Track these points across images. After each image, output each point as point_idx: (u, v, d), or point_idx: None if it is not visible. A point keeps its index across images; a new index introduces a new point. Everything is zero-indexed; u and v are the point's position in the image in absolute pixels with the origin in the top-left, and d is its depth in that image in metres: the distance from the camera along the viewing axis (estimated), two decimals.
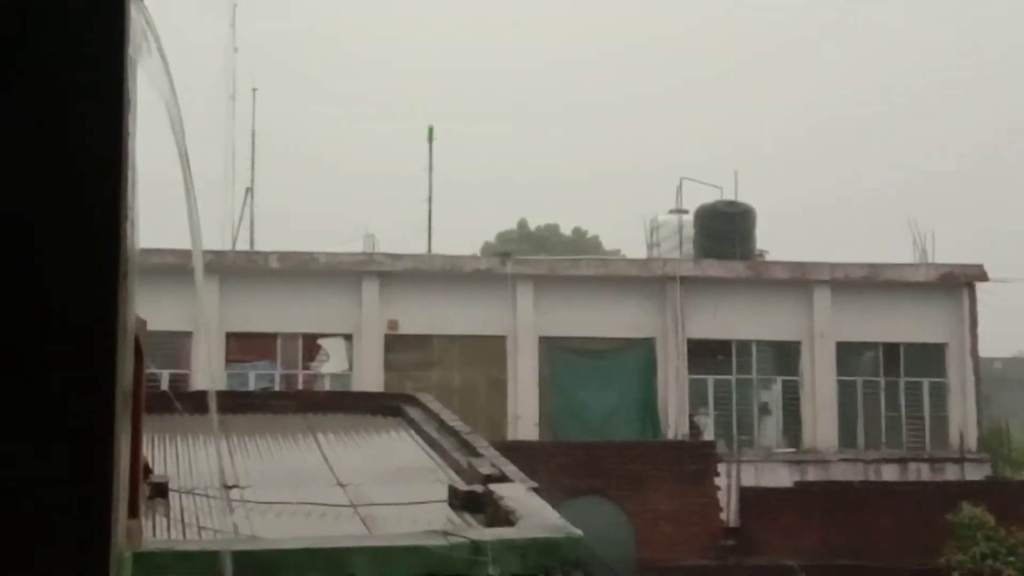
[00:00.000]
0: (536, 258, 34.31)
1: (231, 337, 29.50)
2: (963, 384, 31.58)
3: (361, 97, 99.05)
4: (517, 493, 8.40)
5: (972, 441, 31.21)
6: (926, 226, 39.59)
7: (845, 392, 31.49)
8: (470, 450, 10.18)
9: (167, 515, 8.15)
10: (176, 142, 2.32)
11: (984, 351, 32.99)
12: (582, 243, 60.66)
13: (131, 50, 1.56)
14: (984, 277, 31.79)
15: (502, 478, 8.86)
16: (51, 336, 1.46)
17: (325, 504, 8.73)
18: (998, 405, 38.54)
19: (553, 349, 30.70)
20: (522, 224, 63.45)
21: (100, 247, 1.48)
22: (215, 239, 31.98)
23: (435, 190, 34.81)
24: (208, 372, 27.65)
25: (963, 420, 31.36)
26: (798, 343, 31.47)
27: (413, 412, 12.25)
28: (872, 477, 29.88)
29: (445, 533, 7.26)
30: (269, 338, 30.14)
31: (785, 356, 31.65)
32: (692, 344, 31.02)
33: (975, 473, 30.29)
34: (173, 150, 2.36)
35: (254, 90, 35.09)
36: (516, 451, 14.13)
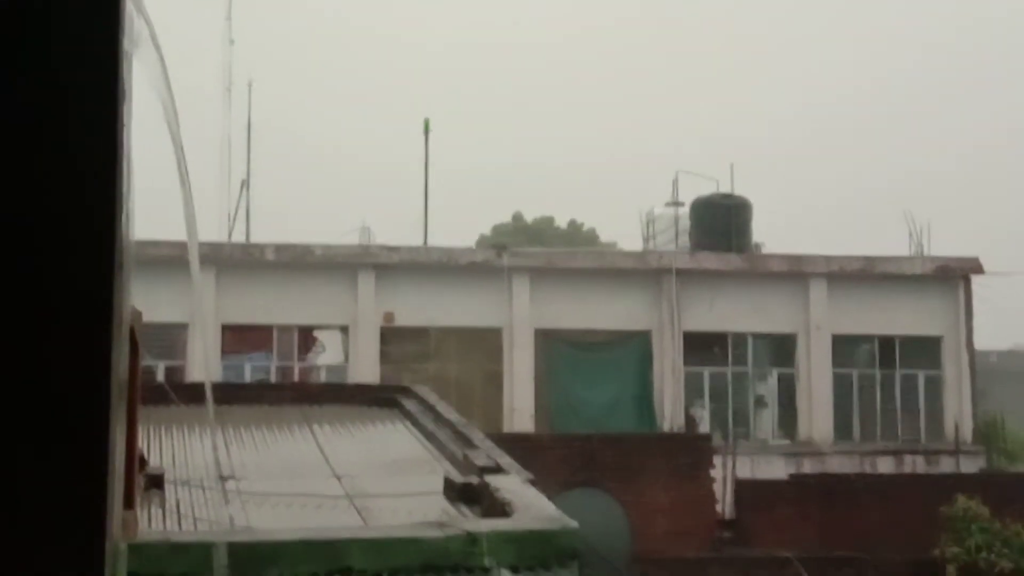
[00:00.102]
0: (532, 250, 34.30)
1: (227, 329, 29.48)
2: (959, 377, 31.64)
3: (360, 96, 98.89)
4: (513, 485, 8.41)
5: (967, 433, 31.27)
6: (922, 219, 39.64)
7: (841, 384, 31.52)
8: (466, 442, 10.19)
9: (163, 507, 8.15)
10: (171, 134, 2.32)
11: (980, 344, 33.01)
12: (578, 236, 60.58)
13: (126, 41, 1.56)
14: (980, 270, 31.83)
15: (498, 470, 8.87)
16: (45, 327, 1.46)
17: (321, 495, 8.74)
18: (993, 398, 38.54)
19: (549, 341, 30.71)
20: (517, 217, 63.29)
21: (95, 237, 1.48)
22: (211, 231, 32.01)
23: (432, 187, 34.88)
24: (204, 364, 27.65)
25: (958, 413, 31.42)
26: (794, 336, 31.50)
27: (409, 404, 12.26)
28: (867, 469, 29.94)
29: (441, 524, 7.26)
30: (265, 330, 30.14)
31: (781, 349, 31.68)
32: (688, 337, 31.04)
33: (970, 465, 30.35)
34: (169, 142, 2.36)
35: (250, 83, 35.07)
36: (512, 443, 14.14)
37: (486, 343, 30.46)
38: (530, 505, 7.83)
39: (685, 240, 33.62)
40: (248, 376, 28.90)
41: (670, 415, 30.57)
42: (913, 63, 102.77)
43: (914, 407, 31.82)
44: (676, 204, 34.79)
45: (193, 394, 10.92)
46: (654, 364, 30.93)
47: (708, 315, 30.96)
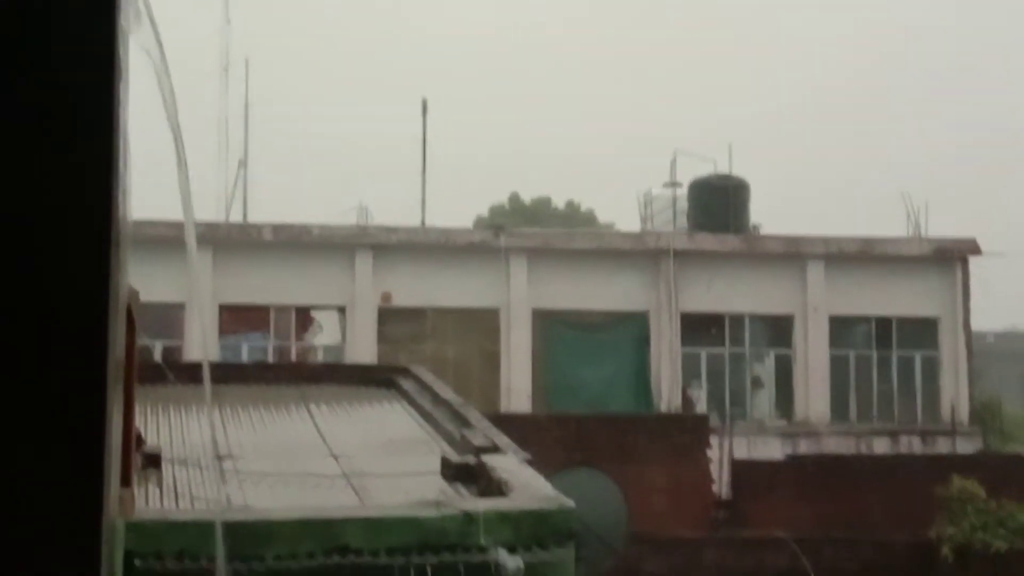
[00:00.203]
0: (530, 231, 34.28)
1: (224, 309, 29.48)
2: (955, 358, 31.68)
3: (359, 77, 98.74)
4: (510, 465, 8.43)
5: (964, 414, 31.33)
6: (920, 201, 39.61)
7: (837, 365, 31.57)
8: (463, 422, 10.20)
9: (160, 485, 8.17)
10: (168, 116, 2.33)
11: (976, 325, 33.06)
12: (575, 217, 60.48)
13: (123, 20, 1.56)
14: (977, 251, 31.84)
15: (495, 449, 8.89)
16: (43, 306, 1.47)
17: (318, 475, 8.76)
18: (990, 379, 38.65)
19: (547, 322, 30.73)
20: (514, 198, 63.09)
21: (92, 215, 1.48)
22: (209, 211, 31.97)
23: (430, 168, 34.80)
24: (202, 343, 27.65)
25: (955, 393, 31.47)
26: (791, 316, 31.52)
27: (406, 384, 12.27)
28: (864, 450, 30.00)
29: (437, 504, 7.28)
30: (262, 310, 30.15)
31: (778, 329, 31.71)
32: (685, 317, 31.07)
33: (966, 446, 30.42)
34: (166, 123, 2.37)
35: (247, 62, 34.97)
36: (509, 423, 14.15)
37: (483, 323, 30.48)
38: (527, 485, 7.85)
39: (683, 221, 33.62)
40: (245, 356, 28.91)
41: (667, 396, 30.61)
42: (911, 45, 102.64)
43: (911, 388, 31.88)
44: (674, 185, 34.78)
45: (190, 373, 10.93)
46: (651, 345, 30.96)
47: (705, 296, 30.98)
